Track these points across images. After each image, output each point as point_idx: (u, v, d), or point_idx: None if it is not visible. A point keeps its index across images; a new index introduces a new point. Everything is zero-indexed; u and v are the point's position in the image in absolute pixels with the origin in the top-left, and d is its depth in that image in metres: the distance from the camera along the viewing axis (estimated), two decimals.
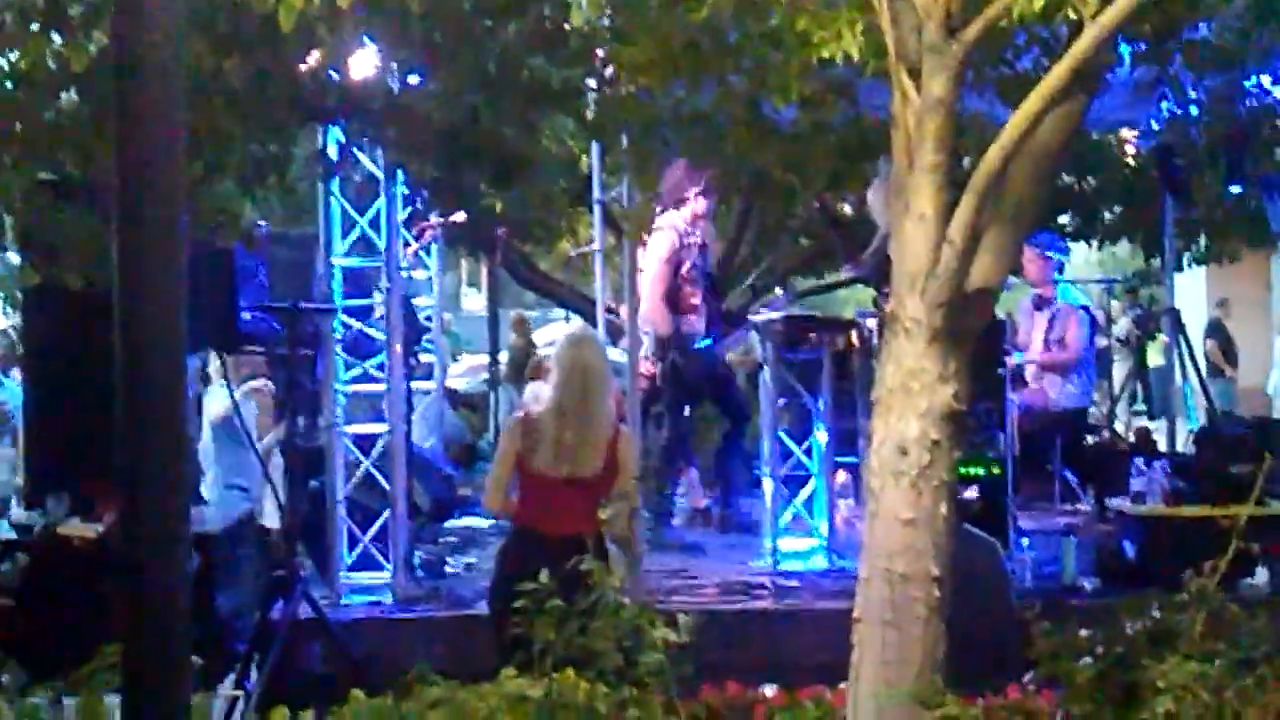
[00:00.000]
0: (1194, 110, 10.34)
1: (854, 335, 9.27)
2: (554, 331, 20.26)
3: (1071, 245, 13.33)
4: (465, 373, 18.81)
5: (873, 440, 4.41)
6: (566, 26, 6.52)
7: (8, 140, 6.32)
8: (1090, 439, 11.23)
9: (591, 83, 6.86)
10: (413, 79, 6.88)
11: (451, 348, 16.27)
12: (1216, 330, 18.87)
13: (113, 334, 3.11)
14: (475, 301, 29.86)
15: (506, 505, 6.77)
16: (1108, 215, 14.22)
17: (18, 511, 7.70)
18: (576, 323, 12.72)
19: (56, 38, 5.97)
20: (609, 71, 6.68)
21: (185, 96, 3.22)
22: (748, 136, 6.44)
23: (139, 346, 3.05)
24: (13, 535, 7.50)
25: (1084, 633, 4.93)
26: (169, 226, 3.07)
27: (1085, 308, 10.82)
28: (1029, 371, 10.41)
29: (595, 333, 7.18)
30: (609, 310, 10.46)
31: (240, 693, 6.96)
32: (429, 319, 11.61)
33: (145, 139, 3.10)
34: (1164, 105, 10.29)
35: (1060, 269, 10.73)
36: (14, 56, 6.12)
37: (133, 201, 3.07)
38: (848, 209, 13.87)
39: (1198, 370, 12.08)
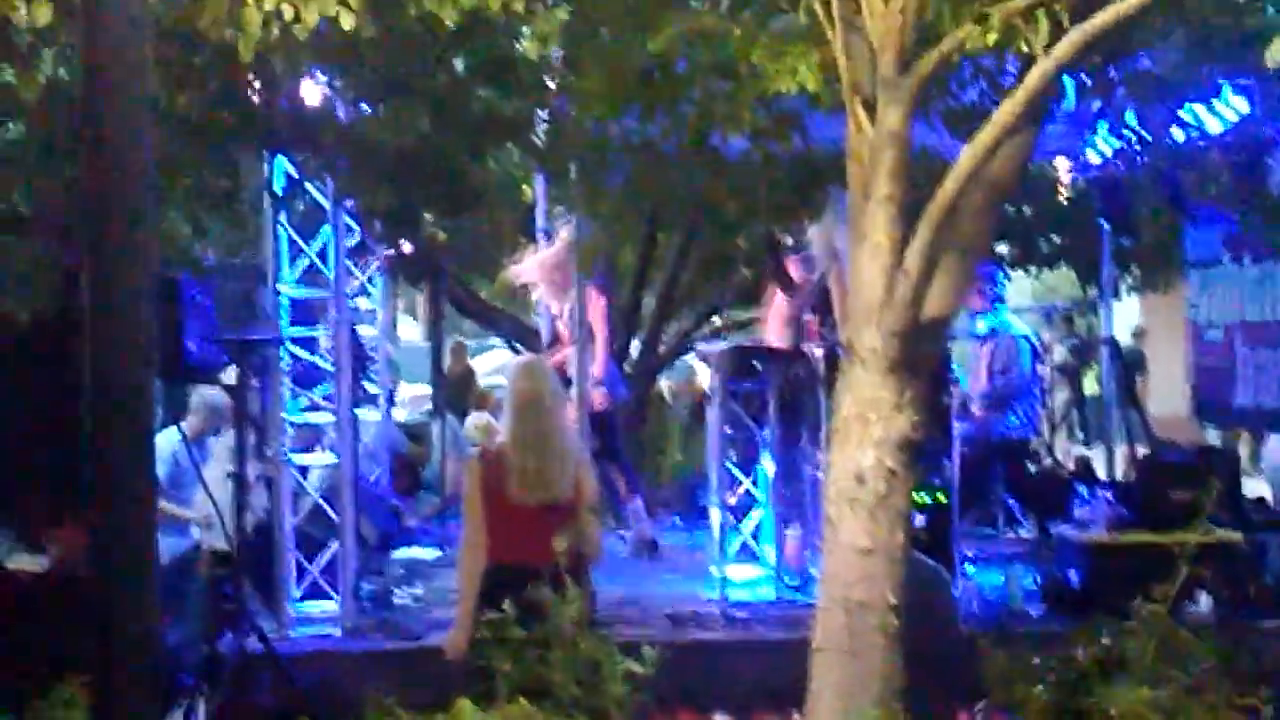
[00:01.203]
0: (1131, 139, 10.46)
1: (799, 365, 9.31)
2: (493, 359, 20.23)
3: (1009, 273, 13.46)
4: (406, 402, 18.73)
5: (830, 470, 4.45)
6: (516, 57, 6.54)
7: None
8: (1032, 467, 11.31)
9: (542, 113, 6.88)
10: (363, 108, 6.88)
11: (392, 378, 16.21)
12: (1135, 359, 19.04)
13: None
14: (412, 330, 29.78)
15: (475, 570, 6.68)
16: (1044, 243, 14.35)
17: None
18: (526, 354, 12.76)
19: (5, 67, 5.93)
20: (559, 102, 6.71)
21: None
22: (695, 168, 6.49)
23: (109, 376, 3.05)
24: None
25: (1034, 660, 4.98)
26: (137, 255, 3.08)
27: (1026, 337, 10.92)
28: (975, 403, 10.49)
29: (543, 360, 7.18)
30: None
31: None
32: (373, 349, 11.58)
33: (112, 167, 3.11)
34: (1103, 136, 10.42)
35: (999, 299, 10.85)
36: None
37: (101, 230, 3.07)
38: (789, 239, 13.94)
39: (1134, 398, 12.20)
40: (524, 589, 4.98)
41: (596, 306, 10.27)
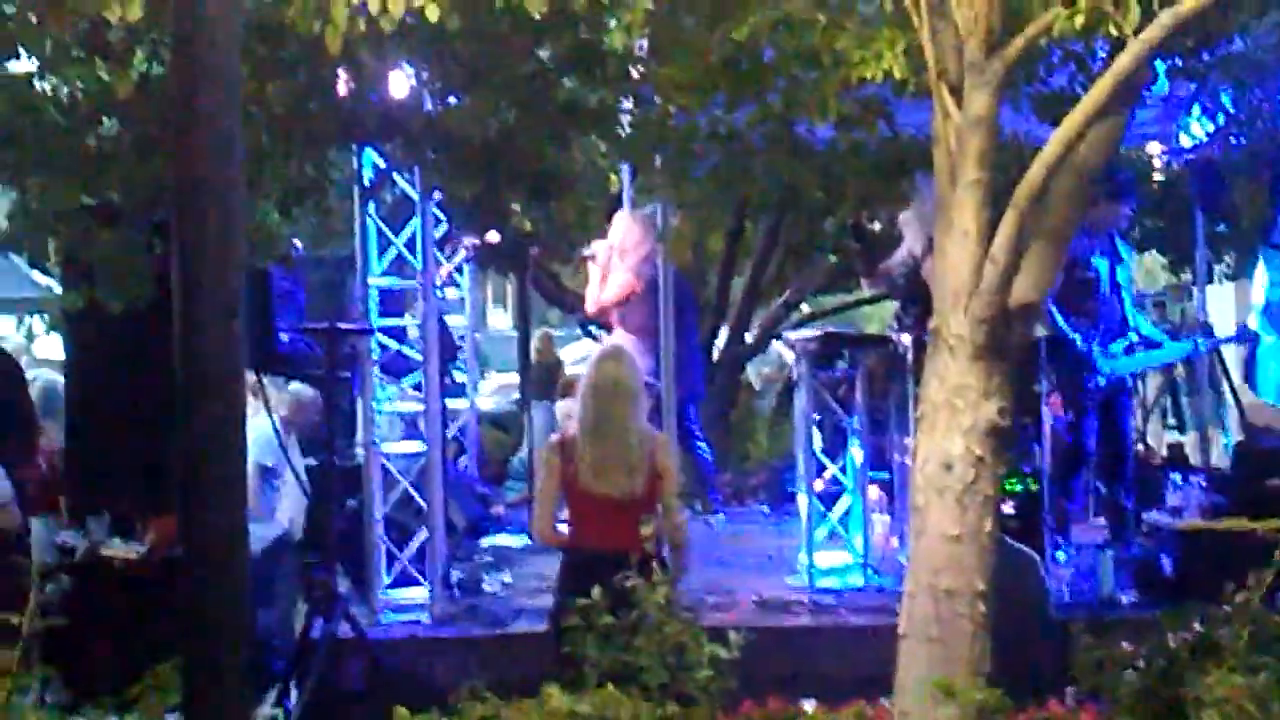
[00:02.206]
0: (1222, 121, 10.34)
1: (886, 352, 9.29)
2: (582, 348, 20.30)
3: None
4: (494, 391, 18.85)
5: (916, 457, 4.43)
6: (602, 47, 6.55)
7: (51, 165, 6.37)
8: None
9: (627, 103, 6.89)
10: (450, 100, 6.91)
11: (480, 367, 16.32)
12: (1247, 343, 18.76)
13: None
14: (502, 320, 29.93)
15: (554, 536, 6.75)
16: (1138, 229, 14.20)
17: (61, 533, 7.74)
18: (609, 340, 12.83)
19: (99, 64, 6.02)
20: (644, 91, 6.72)
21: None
22: (782, 155, 6.48)
23: (199, 365, 3.10)
24: (57, 557, 7.53)
25: (1125, 646, 4.94)
26: (227, 248, 3.12)
27: None
28: None
29: (625, 349, 7.15)
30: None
31: (279, 711, 7.00)
32: (461, 338, 11.66)
33: (202, 158, 3.15)
34: (1197, 119, 10.29)
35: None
36: (58, 83, 6.18)
37: (191, 224, 3.12)
38: (876, 225, 13.90)
39: (1231, 384, 12.04)
40: (606, 575, 4.99)
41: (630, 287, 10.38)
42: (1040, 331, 8.44)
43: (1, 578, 6.28)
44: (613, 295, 10.66)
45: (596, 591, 4.80)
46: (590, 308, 11.05)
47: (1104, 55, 5.34)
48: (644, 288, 10.35)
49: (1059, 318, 8.86)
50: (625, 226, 10.68)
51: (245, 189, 6.32)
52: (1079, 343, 8.98)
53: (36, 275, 10.97)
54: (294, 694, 7.30)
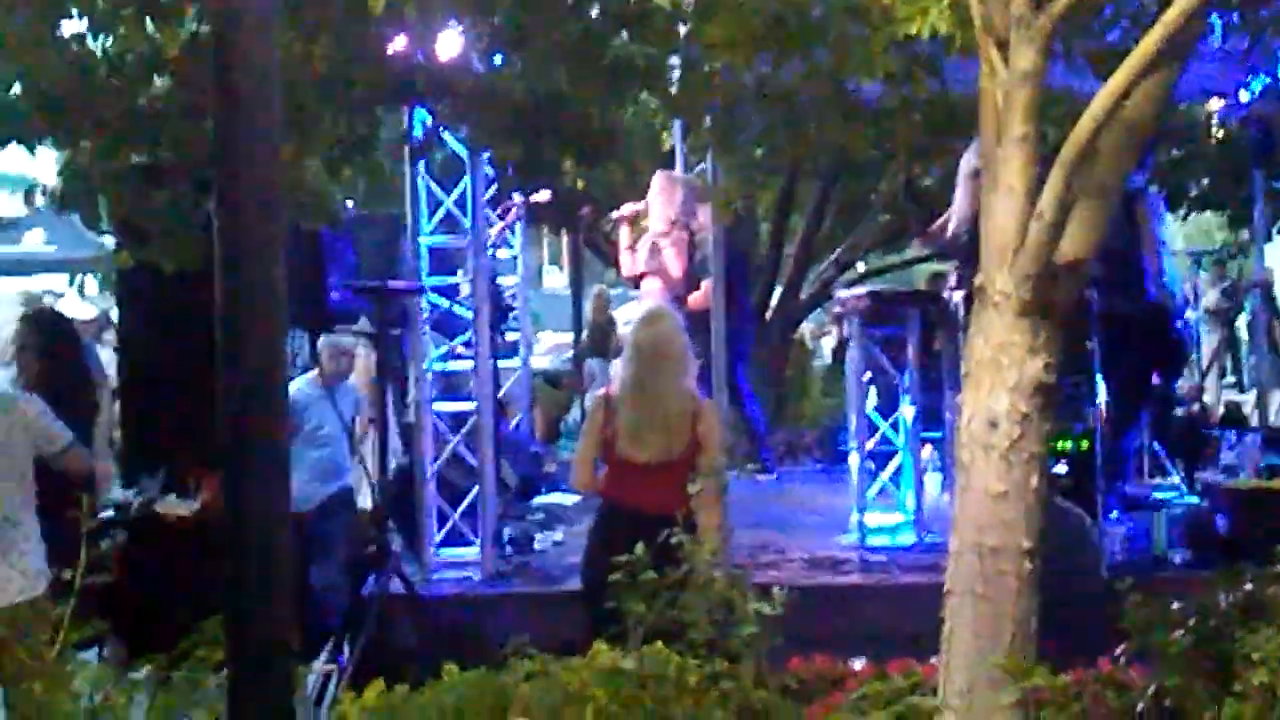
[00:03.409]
0: None
1: (937, 310, 9.25)
2: (637, 308, 20.31)
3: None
4: (548, 350, 18.90)
5: (962, 414, 4.41)
6: (649, 5, 6.53)
7: (102, 125, 6.41)
8: (1179, 412, 11.12)
9: (675, 60, 6.86)
10: (497, 59, 6.91)
11: (534, 326, 16.36)
12: None
13: (204, 315, 3.18)
14: (557, 279, 29.95)
15: (592, 482, 6.82)
16: (1195, 186, 14.07)
17: (115, 491, 7.83)
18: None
19: (149, 23, 6.04)
20: (692, 49, 6.69)
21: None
22: (832, 114, 6.44)
23: (239, 325, 3.11)
24: (111, 513, 7.62)
25: (1175, 605, 4.91)
26: (268, 206, 3.13)
27: None
28: None
29: (671, 310, 7.14)
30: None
31: (334, 667, 7.06)
32: (513, 297, 11.69)
33: (243, 121, 3.16)
34: (1259, 76, 10.17)
35: None
36: (108, 42, 6.20)
37: (232, 182, 3.13)
38: (930, 183, 13.83)
39: None
40: (644, 534, 4.98)
41: (668, 248, 10.37)
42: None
43: (59, 534, 6.37)
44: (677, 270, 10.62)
45: (640, 549, 4.80)
46: (625, 271, 11.07)
47: (1158, 8, 5.27)
48: (676, 246, 10.40)
49: None
50: (652, 188, 10.70)
51: (292, 149, 6.40)
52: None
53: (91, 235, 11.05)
54: (347, 650, 7.36)
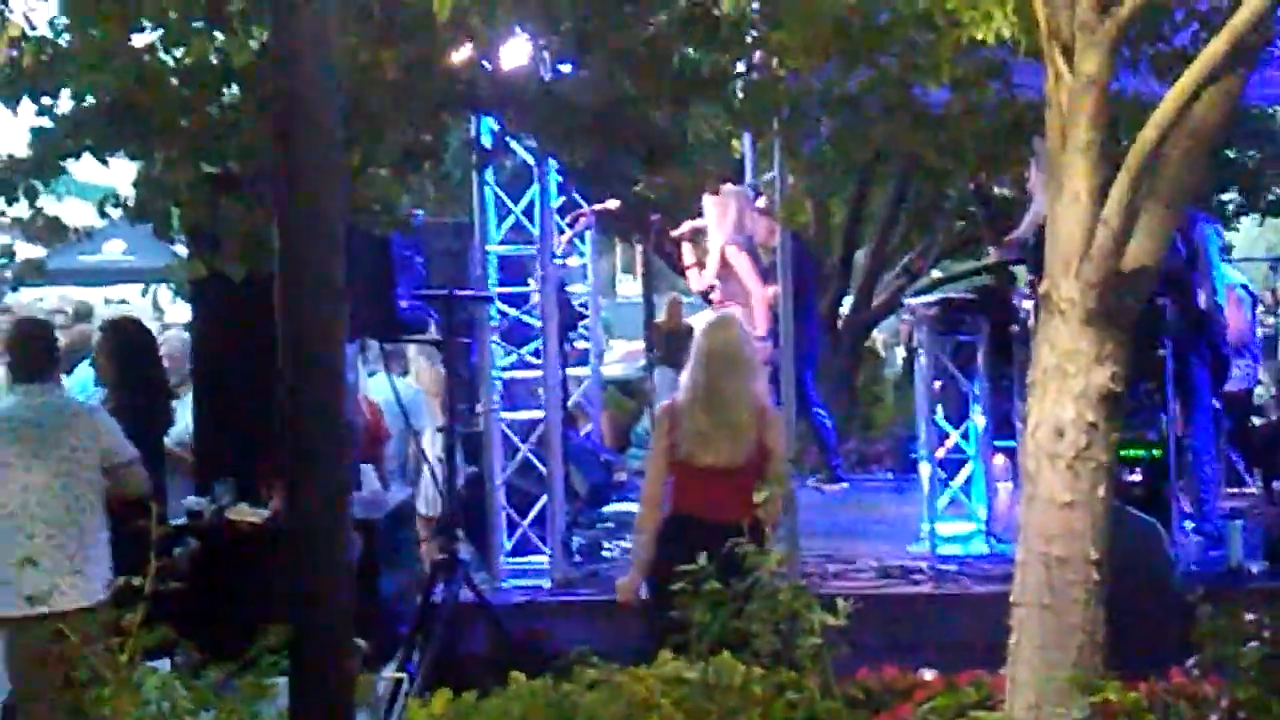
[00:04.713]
0: None
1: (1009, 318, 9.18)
2: (702, 317, 20.29)
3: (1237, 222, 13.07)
4: (621, 359, 18.92)
5: (1028, 423, 4.37)
6: (716, 12, 6.51)
7: (173, 135, 6.46)
8: (1257, 420, 11.00)
9: (741, 67, 6.85)
10: (564, 67, 6.92)
11: (604, 335, 16.38)
12: None
13: (274, 322, 3.19)
14: (631, 287, 29.96)
15: (657, 498, 6.71)
16: (1274, 190, 13.93)
17: (188, 498, 7.90)
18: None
19: (219, 34, 6.09)
20: (758, 56, 6.67)
21: (341, 87, 3.30)
22: (899, 121, 6.41)
23: (300, 334, 3.13)
24: (183, 520, 7.68)
25: (1250, 617, 4.86)
26: (328, 216, 3.15)
27: (1244, 286, 10.59)
28: None
29: (737, 318, 7.12)
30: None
31: (404, 675, 7.10)
32: (584, 305, 11.70)
33: (303, 130, 3.18)
34: None
35: (1222, 249, 10.50)
36: (178, 53, 6.26)
37: (293, 192, 3.15)
38: (1005, 191, 13.75)
39: None
40: (709, 543, 4.97)
41: (741, 263, 10.30)
42: None
43: (132, 542, 6.44)
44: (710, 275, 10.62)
45: (703, 558, 4.79)
46: (695, 286, 11.07)
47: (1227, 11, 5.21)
48: (740, 258, 10.36)
49: None
50: (706, 207, 10.66)
51: (360, 157, 6.43)
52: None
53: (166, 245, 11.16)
54: (417, 658, 7.39)
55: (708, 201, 10.55)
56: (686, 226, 10.94)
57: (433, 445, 9.38)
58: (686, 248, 10.98)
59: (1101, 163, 4.18)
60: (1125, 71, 4.71)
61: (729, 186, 10.54)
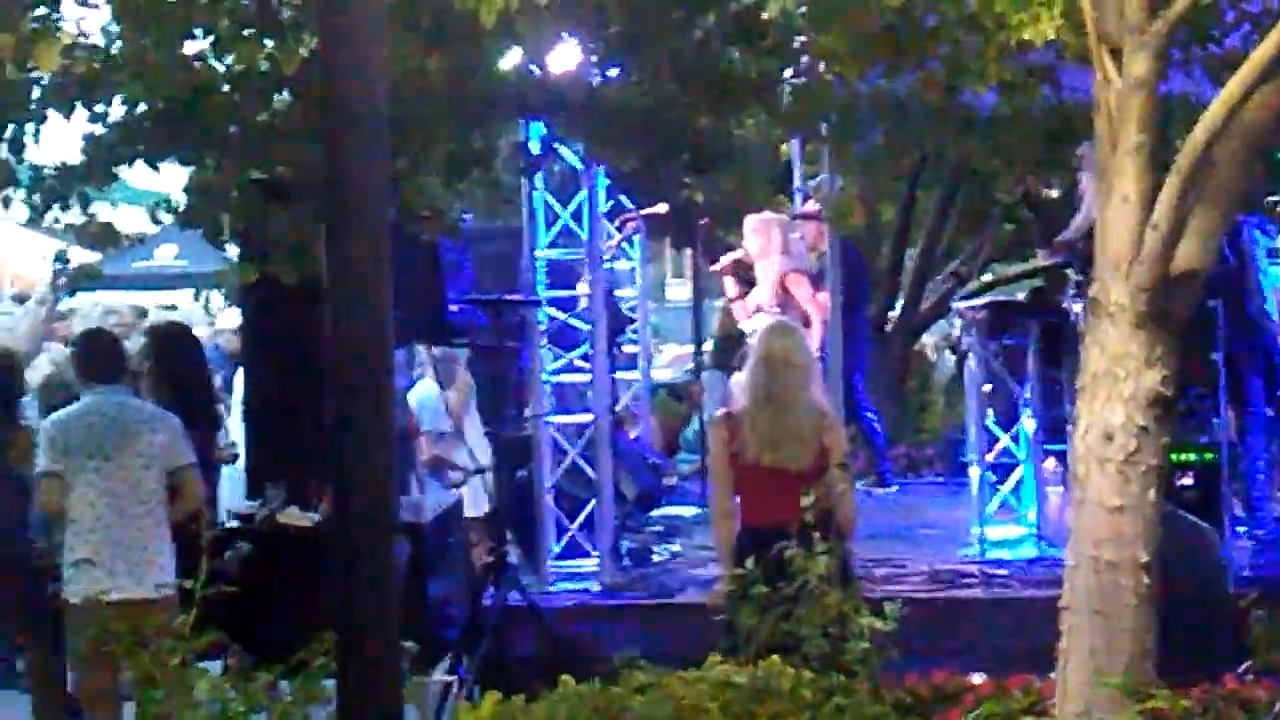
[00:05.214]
0: None
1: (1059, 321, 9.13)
2: (760, 322, 20.25)
3: None
4: (670, 363, 18.90)
5: (1078, 426, 4.36)
6: (763, 16, 6.51)
7: (224, 142, 6.52)
8: None
9: (788, 72, 6.85)
10: (611, 72, 6.94)
11: (652, 339, 16.36)
12: None
13: (324, 327, 3.22)
14: (681, 292, 29.91)
15: (730, 517, 6.63)
16: None
17: (239, 501, 7.95)
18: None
19: (269, 42, 6.14)
20: (804, 60, 6.67)
21: (390, 93, 3.32)
22: (946, 125, 6.40)
23: (348, 339, 3.15)
24: (235, 524, 7.73)
25: None
26: (375, 221, 3.17)
27: None
28: None
29: (794, 323, 7.10)
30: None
31: (454, 678, 7.11)
32: (632, 309, 11.71)
33: (352, 137, 3.20)
34: None
35: (1270, 252, 10.41)
36: (229, 60, 6.32)
37: (340, 197, 3.17)
38: (1053, 193, 13.68)
39: None
40: (769, 545, 4.97)
41: (802, 292, 10.21)
42: None
43: (183, 545, 6.56)
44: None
45: (749, 561, 4.80)
46: (740, 318, 10.88)
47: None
48: (801, 286, 10.29)
49: None
50: (748, 236, 10.54)
51: (409, 162, 6.47)
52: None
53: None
54: (466, 661, 7.41)
55: (749, 231, 10.45)
56: (728, 259, 10.82)
57: (480, 449, 9.39)
58: (728, 281, 10.87)
59: (1151, 166, 4.16)
60: (1176, 74, 4.68)
61: (766, 214, 10.46)
